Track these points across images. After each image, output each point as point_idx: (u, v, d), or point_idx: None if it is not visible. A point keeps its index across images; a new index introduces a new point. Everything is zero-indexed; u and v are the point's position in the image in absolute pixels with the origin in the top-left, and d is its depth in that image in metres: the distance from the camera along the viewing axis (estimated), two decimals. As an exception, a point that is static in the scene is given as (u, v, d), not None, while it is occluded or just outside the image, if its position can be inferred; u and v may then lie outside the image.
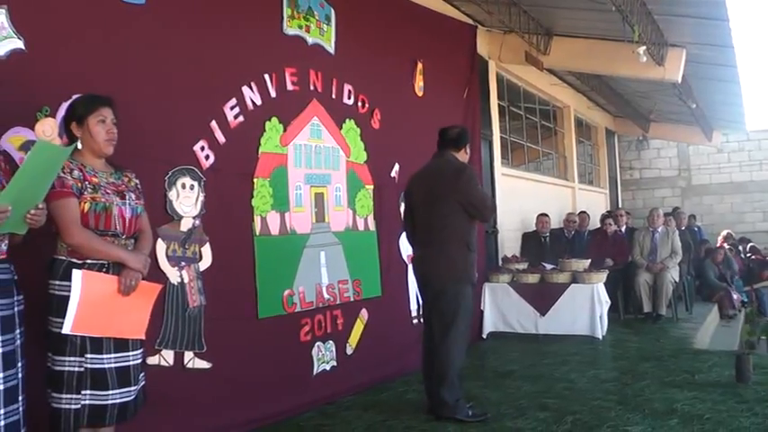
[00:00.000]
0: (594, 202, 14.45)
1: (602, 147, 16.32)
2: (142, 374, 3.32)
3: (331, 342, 5.52)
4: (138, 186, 3.42)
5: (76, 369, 3.04)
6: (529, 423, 4.72)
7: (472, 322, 5.59)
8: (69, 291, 3.02)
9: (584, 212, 11.26)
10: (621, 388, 5.59)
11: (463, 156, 5.06)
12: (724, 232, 13.86)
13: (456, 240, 4.85)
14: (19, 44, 3.43)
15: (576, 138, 13.98)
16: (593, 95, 13.66)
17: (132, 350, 3.21)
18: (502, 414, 4.94)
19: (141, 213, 3.38)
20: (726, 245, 12.97)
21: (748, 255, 13.56)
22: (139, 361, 3.27)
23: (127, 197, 3.29)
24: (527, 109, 11.65)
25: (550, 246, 9.94)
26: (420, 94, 7.03)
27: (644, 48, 7.52)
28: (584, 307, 7.70)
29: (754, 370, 5.65)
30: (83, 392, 3.04)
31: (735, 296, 11.28)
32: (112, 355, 3.12)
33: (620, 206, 16.04)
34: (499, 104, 9.99)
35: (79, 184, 3.11)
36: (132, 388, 3.19)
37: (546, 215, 10.17)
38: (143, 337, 3.28)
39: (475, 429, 4.66)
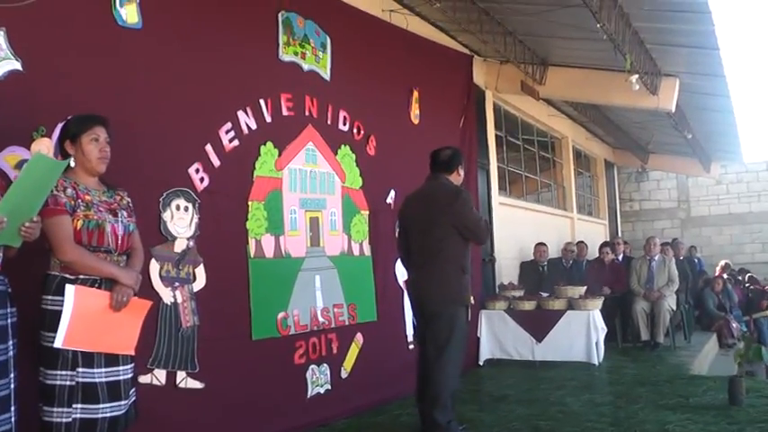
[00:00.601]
0: (594, 233, 14.45)
1: (601, 178, 16.40)
2: (133, 390, 3.34)
3: (325, 365, 5.53)
4: (130, 205, 3.48)
5: (68, 383, 3.07)
6: (521, 444, 4.74)
7: (468, 347, 5.59)
8: (62, 305, 3.06)
9: (582, 242, 11.30)
10: (615, 411, 5.60)
11: (456, 177, 5.06)
12: (722, 262, 13.87)
13: (451, 263, 4.84)
14: (16, 65, 3.52)
15: (575, 169, 14.05)
16: (591, 126, 13.76)
17: (122, 365, 3.24)
18: (494, 436, 4.96)
19: (133, 231, 3.43)
20: (724, 275, 12.97)
21: (747, 285, 13.55)
22: (130, 376, 3.30)
23: (119, 215, 3.34)
24: (525, 140, 11.72)
25: (549, 275, 9.96)
26: (416, 121, 7.10)
27: (636, 76, 7.62)
28: (581, 333, 7.71)
29: (748, 393, 5.68)
30: (74, 406, 3.06)
31: (734, 325, 11.26)
32: (103, 370, 3.15)
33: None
34: (496, 134, 10.06)
35: (72, 202, 3.16)
36: (122, 402, 3.21)
37: (544, 244, 10.23)
38: (133, 353, 3.32)
39: (466, 450, 4.68)
